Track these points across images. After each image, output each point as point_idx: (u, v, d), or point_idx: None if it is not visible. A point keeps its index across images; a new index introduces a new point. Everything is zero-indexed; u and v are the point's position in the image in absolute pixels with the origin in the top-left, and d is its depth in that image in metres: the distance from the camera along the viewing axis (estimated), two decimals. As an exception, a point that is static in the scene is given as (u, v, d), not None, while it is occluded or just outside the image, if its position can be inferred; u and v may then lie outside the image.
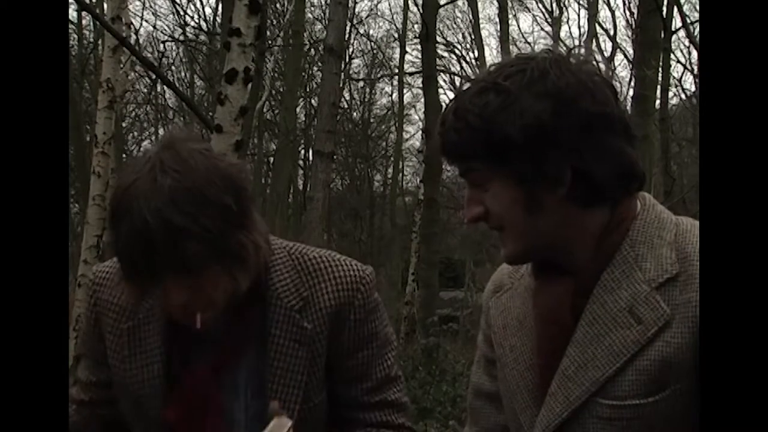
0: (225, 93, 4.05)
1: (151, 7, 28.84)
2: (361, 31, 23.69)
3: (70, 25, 15.60)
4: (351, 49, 22.41)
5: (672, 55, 14.43)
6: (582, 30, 23.87)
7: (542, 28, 28.71)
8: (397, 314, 14.20)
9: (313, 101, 21.52)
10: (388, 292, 17.78)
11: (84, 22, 16.89)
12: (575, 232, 1.26)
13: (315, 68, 20.53)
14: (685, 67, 18.22)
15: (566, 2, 25.58)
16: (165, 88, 18.41)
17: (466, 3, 21.80)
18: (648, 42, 10.50)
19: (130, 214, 1.24)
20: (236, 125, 4.05)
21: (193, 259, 1.24)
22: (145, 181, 1.25)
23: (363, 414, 1.50)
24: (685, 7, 15.61)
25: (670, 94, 13.09)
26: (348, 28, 19.25)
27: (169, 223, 1.22)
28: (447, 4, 17.75)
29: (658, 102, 11.39)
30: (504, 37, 20.46)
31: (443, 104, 7.00)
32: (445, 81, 21.54)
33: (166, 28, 26.18)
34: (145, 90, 18.36)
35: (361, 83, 24.57)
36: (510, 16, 22.08)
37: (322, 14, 19.75)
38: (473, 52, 23.79)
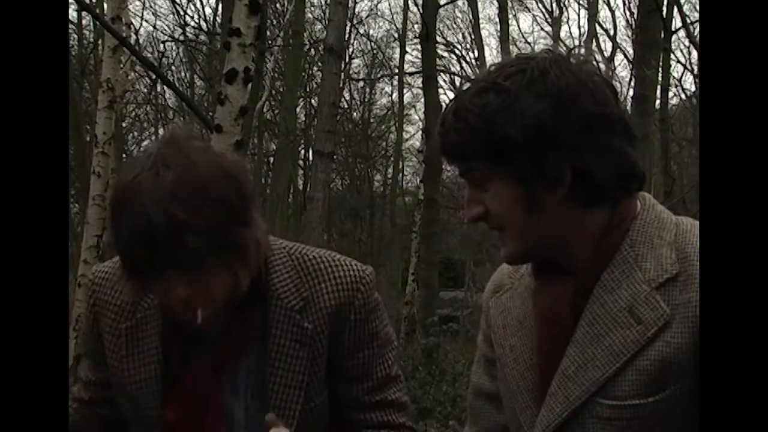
0: (225, 93, 4.05)
1: (151, 7, 28.82)
2: (361, 31, 23.73)
3: (70, 25, 15.61)
4: (351, 49, 22.44)
5: (672, 55, 14.44)
6: (582, 30, 23.90)
7: (542, 28, 28.74)
8: (397, 314, 14.19)
9: (313, 101, 21.52)
10: (388, 292, 17.76)
11: (84, 22, 16.91)
12: (575, 232, 1.26)
13: (315, 68, 20.54)
14: (685, 67, 18.24)
15: (566, 2, 25.60)
16: (165, 88, 18.43)
17: (466, 3, 21.83)
18: (648, 42, 10.50)
19: (133, 208, 1.24)
20: (236, 125, 4.05)
21: (194, 254, 1.24)
22: (147, 175, 1.25)
23: (364, 414, 1.50)
24: (685, 7, 15.62)
25: (670, 94, 13.11)
26: (348, 28, 19.25)
27: (172, 217, 1.22)
28: (447, 4, 17.75)
29: (658, 102, 11.39)
30: (504, 37, 20.45)
31: (443, 104, 7.01)
32: (445, 81, 21.57)
33: (166, 28, 26.22)
34: (145, 90, 18.39)
35: (361, 83, 24.59)
36: (510, 16, 22.12)
37: (322, 14, 19.77)
38: (473, 52, 23.83)
